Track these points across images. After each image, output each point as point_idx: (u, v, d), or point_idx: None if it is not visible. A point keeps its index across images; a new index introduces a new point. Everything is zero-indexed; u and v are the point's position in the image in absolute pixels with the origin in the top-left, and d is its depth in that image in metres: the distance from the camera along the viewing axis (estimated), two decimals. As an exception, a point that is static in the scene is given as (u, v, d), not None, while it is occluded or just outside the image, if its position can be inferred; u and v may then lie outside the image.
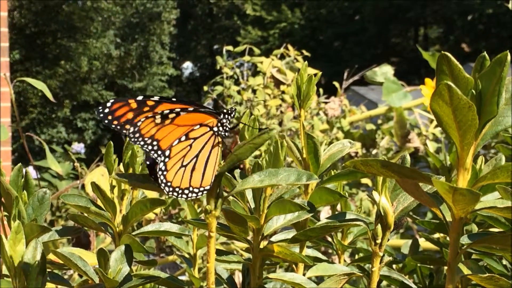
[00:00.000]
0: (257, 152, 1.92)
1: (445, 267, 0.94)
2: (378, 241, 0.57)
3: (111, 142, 0.82)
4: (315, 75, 0.76)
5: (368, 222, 0.60)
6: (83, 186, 2.15)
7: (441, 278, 0.91)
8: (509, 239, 0.47)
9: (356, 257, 1.03)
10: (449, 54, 0.44)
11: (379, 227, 0.57)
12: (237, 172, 0.73)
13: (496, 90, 0.44)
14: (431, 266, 0.93)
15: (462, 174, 0.47)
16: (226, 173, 0.65)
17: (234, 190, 0.60)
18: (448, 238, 1.04)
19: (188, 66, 19.52)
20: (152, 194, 1.54)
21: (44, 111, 13.44)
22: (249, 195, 0.70)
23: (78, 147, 4.00)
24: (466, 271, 0.71)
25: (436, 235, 1.20)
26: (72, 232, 0.84)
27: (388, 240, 0.57)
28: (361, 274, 0.62)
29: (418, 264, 0.90)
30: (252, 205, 0.69)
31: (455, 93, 0.43)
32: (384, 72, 2.43)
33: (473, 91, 0.45)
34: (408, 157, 0.57)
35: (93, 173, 1.88)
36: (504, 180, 0.45)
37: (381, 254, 0.58)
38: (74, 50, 13.78)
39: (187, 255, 1.09)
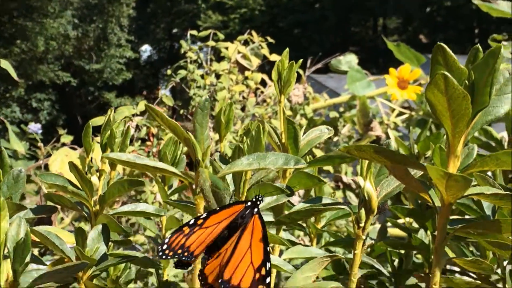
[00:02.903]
0: (229, 137, 1.92)
1: (414, 252, 0.96)
2: (362, 224, 0.59)
3: (90, 123, 0.82)
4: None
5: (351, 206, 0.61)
6: (45, 166, 2.13)
7: (410, 262, 0.93)
8: (498, 225, 0.48)
9: (323, 242, 1.05)
10: (444, 45, 0.46)
11: (362, 211, 0.58)
12: (217, 155, 0.74)
13: (489, 81, 0.46)
14: (401, 251, 0.95)
15: (453, 161, 0.49)
16: (210, 158, 0.65)
17: (224, 172, 0.61)
18: (414, 224, 1.07)
19: (146, 49, 19.38)
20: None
21: (-2, 90, 13.24)
22: (228, 177, 0.71)
23: (35, 127, 3.93)
24: (451, 254, 0.73)
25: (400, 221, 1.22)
26: (47, 211, 0.84)
27: (372, 224, 0.59)
28: (343, 257, 0.63)
29: (388, 249, 0.92)
30: (232, 188, 0.70)
31: (451, 83, 0.44)
32: (348, 61, 2.46)
33: (467, 82, 0.46)
34: (392, 143, 0.58)
35: (57, 153, 1.87)
36: (493, 167, 0.47)
37: (364, 237, 0.59)
38: (30, 30, 13.56)
39: (155, 236, 1.10)
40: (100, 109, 14.96)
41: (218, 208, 0.63)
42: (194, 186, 0.62)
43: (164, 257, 0.62)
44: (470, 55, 0.48)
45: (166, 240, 0.62)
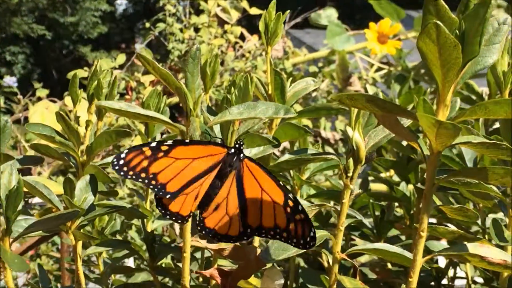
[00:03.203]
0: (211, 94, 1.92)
1: (396, 204, 0.98)
2: (350, 174, 0.60)
3: (77, 73, 0.82)
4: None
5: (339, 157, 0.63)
6: (24, 120, 2.12)
7: (392, 214, 0.95)
8: (485, 172, 0.50)
9: (305, 195, 1.07)
10: (436, -6, 0.47)
11: (351, 160, 0.59)
12: (204, 106, 0.75)
13: (479, 30, 0.47)
14: (382, 203, 0.97)
15: (442, 110, 0.50)
16: (198, 107, 0.66)
17: (214, 121, 0.61)
18: (394, 178, 1.09)
19: (122, 3, 19.09)
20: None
21: (-31, 43, 13.03)
22: (216, 128, 0.71)
23: (10, 80, 3.89)
24: (438, 202, 0.75)
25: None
26: (34, 161, 0.84)
27: (359, 174, 0.60)
28: (330, 206, 0.64)
29: (371, 201, 0.94)
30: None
31: (443, 32, 0.45)
32: (328, 15, 2.45)
33: (457, 31, 0.47)
34: (380, 93, 0.59)
35: (37, 106, 1.86)
36: (481, 116, 0.48)
37: (352, 187, 0.60)
38: (3, -19, 13.32)
39: (137, 188, 1.10)
40: (75, 63, 14.75)
41: (187, 141, 0.62)
42: (185, 136, 0.62)
43: (122, 174, 0.60)
44: (461, 4, 0.49)
45: (123, 155, 0.59)
